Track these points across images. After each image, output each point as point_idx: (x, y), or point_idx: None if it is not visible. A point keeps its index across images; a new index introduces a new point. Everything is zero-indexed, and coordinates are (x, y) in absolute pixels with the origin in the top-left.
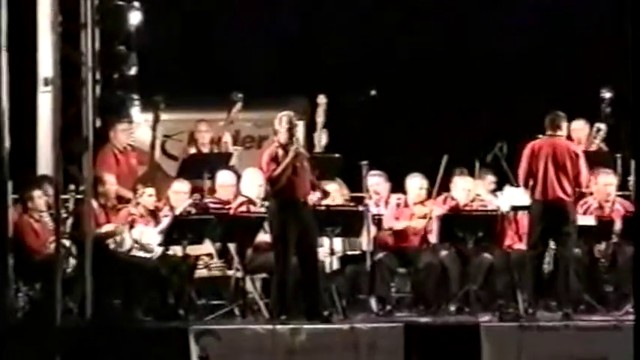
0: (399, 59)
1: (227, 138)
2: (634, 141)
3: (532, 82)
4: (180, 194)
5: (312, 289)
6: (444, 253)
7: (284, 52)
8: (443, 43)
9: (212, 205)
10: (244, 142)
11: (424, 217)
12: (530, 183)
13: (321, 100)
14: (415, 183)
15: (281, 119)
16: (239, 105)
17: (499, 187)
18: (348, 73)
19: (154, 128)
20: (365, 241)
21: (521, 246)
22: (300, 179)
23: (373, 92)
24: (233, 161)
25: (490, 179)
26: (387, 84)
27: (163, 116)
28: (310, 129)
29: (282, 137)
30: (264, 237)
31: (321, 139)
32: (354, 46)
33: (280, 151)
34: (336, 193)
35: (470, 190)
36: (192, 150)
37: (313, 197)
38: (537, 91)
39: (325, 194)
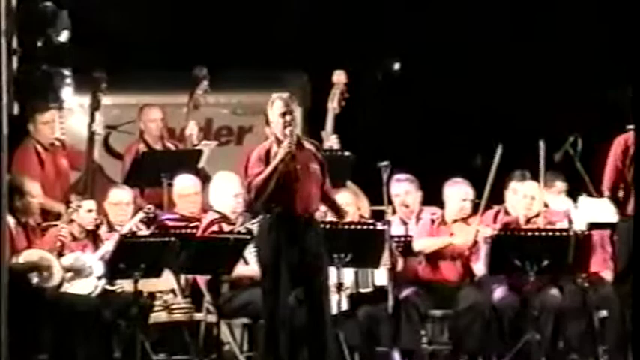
0: (429, 35)
1: (191, 129)
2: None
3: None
4: (121, 206)
5: (316, 339)
6: (498, 294)
7: (273, 16)
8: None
9: (172, 223)
10: (219, 136)
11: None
12: (620, 193)
13: (339, 77)
14: (457, 192)
15: (273, 103)
16: (204, 84)
17: (571, 196)
18: (363, 45)
19: (92, 116)
20: (386, 274)
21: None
22: (302, 187)
23: (397, 66)
24: (203, 162)
25: (559, 187)
26: (415, 61)
27: (106, 100)
28: (312, 116)
29: (278, 129)
30: (247, 272)
31: (330, 133)
32: (373, 14)
33: (276, 149)
34: (349, 206)
35: (534, 197)
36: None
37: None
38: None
39: (340, 214)
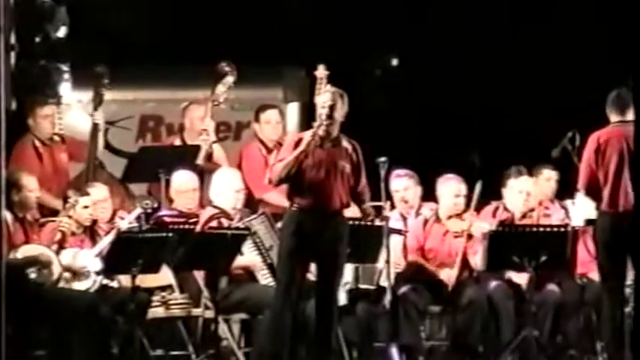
0: (428, 31)
1: (207, 124)
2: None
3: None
4: (99, 204)
5: (322, 337)
6: (493, 284)
7: (271, 12)
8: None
9: (170, 219)
10: (217, 131)
11: (462, 234)
12: (594, 191)
13: (321, 72)
14: (449, 188)
15: (323, 95)
16: (230, 79)
17: (569, 192)
18: (361, 41)
19: (95, 111)
20: (384, 270)
21: None
22: (327, 183)
23: (395, 62)
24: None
25: (546, 175)
26: (413, 58)
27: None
28: (310, 112)
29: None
30: (242, 261)
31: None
32: (372, 11)
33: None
34: None
35: (529, 193)
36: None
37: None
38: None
39: (365, 215)
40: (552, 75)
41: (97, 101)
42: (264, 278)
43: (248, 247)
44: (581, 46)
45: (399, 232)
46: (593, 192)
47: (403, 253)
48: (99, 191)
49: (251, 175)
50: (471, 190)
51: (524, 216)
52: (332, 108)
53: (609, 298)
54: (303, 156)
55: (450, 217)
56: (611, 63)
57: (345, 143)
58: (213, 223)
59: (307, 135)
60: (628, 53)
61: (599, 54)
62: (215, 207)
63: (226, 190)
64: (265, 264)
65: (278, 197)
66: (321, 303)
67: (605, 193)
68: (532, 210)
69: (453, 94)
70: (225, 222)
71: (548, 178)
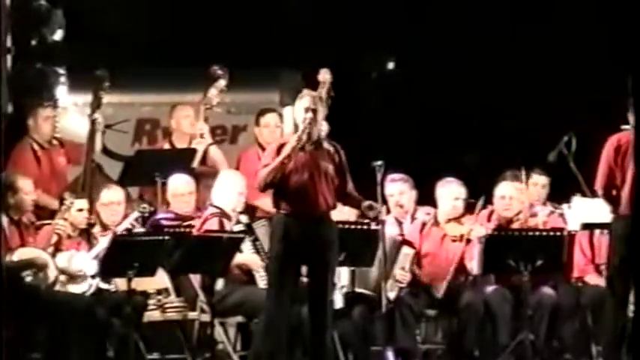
0: (426, 34)
1: (200, 127)
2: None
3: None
4: (112, 206)
5: (316, 340)
6: (489, 288)
7: (268, 16)
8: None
9: (166, 222)
10: (213, 135)
11: (460, 238)
12: (613, 192)
13: (325, 76)
14: (449, 191)
15: (302, 98)
16: (222, 82)
17: (565, 196)
18: (358, 44)
19: (93, 114)
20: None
21: (598, 280)
22: (312, 186)
23: (391, 65)
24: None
25: (535, 180)
26: (410, 60)
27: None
28: None
29: (299, 123)
30: (242, 259)
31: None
32: (369, 13)
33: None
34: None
35: (512, 197)
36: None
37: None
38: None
39: (364, 214)
40: (551, 76)
41: (96, 104)
42: (262, 281)
43: (248, 249)
44: (581, 47)
45: (409, 244)
46: (611, 193)
47: (410, 268)
48: (115, 193)
49: (247, 181)
50: (470, 194)
51: (511, 221)
52: (315, 111)
53: (613, 302)
54: (288, 161)
55: (449, 220)
56: (610, 64)
57: (326, 145)
58: (213, 222)
59: (292, 140)
60: (628, 54)
61: (599, 54)
62: (215, 207)
63: (230, 191)
64: (264, 267)
65: (269, 203)
66: (314, 306)
67: (623, 195)
68: (518, 213)
69: (451, 96)
70: (224, 222)
71: (536, 183)
